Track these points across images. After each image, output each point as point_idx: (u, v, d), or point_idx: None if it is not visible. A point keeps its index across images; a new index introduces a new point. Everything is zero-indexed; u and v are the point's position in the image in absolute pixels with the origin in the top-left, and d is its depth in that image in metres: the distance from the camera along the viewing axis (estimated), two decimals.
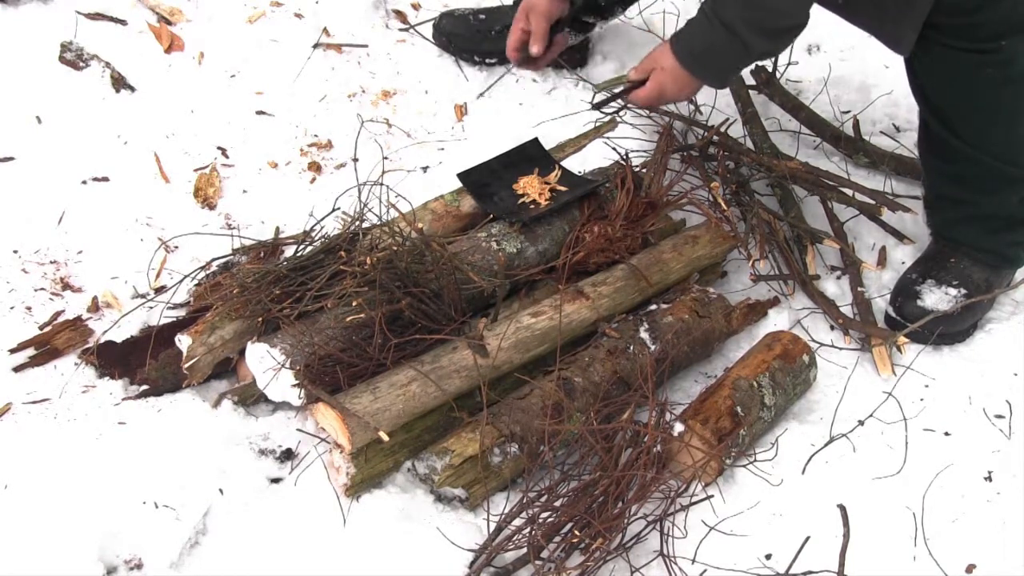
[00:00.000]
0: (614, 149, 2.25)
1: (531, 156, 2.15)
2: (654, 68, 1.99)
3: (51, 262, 1.94)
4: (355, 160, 2.26)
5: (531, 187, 2.07)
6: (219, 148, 2.27)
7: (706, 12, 1.87)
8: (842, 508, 1.73)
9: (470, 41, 2.60)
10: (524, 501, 1.60)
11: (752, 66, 2.64)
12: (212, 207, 2.15)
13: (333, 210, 1.94)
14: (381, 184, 1.93)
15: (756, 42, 1.86)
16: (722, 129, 2.37)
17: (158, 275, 1.97)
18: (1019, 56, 1.85)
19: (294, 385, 1.67)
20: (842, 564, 1.65)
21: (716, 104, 2.55)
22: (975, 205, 2.08)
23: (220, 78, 2.41)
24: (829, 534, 1.70)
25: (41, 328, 1.82)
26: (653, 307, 1.99)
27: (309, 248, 1.84)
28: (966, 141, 1.99)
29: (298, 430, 1.77)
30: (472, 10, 2.65)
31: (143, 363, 1.78)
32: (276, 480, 1.70)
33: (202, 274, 1.93)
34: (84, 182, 2.11)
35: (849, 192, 2.25)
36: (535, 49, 2.18)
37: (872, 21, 1.94)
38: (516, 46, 2.23)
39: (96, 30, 2.38)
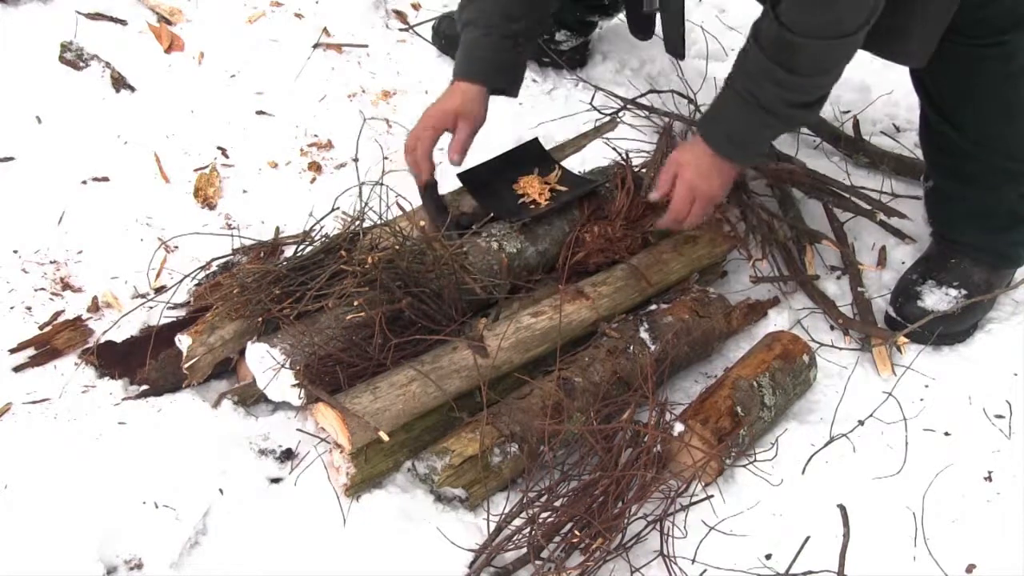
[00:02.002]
0: (614, 149, 2.25)
1: (531, 156, 2.15)
2: (676, 172, 1.89)
3: (51, 262, 1.94)
4: (355, 160, 2.26)
5: (531, 187, 2.07)
6: (219, 148, 2.27)
7: (742, 96, 1.78)
8: (842, 508, 1.73)
9: None
10: (524, 501, 1.60)
11: None
12: (212, 207, 2.15)
13: (333, 210, 1.94)
14: (381, 184, 1.93)
15: (796, 115, 1.83)
16: None
17: (158, 275, 1.97)
18: (1021, 51, 1.85)
19: (294, 385, 1.67)
20: (842, 564, 1.65)
21: None
22: (975, 200, 2.08)
23: (220, 78, 2.42)
24: (829, 534, 1.70)
25: (41, 328, 1.82)
26: (653, 307, 1.99)
27: (309, 248, 1.84)
28: (966, 135, 1.99)
29: (298, 430, 1.77)
30: None
31: (143, 363, 1.78)
32: (276, 480, 1.70)
33: (202, 274, 1.93)
34: (84, 182, 2.11)
35: (846, 196, 2.25)
36: (456, 159, 1.95)
37: (893, 52, 1.92)
38: (429, 146, 1.95)
39: (96, 30, 2.38)
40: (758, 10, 1.79)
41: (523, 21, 1.94)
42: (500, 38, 1.94)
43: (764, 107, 1.77)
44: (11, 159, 2.10)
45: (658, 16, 2.04)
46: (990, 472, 1.84)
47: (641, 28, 2.15)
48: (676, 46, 2.06)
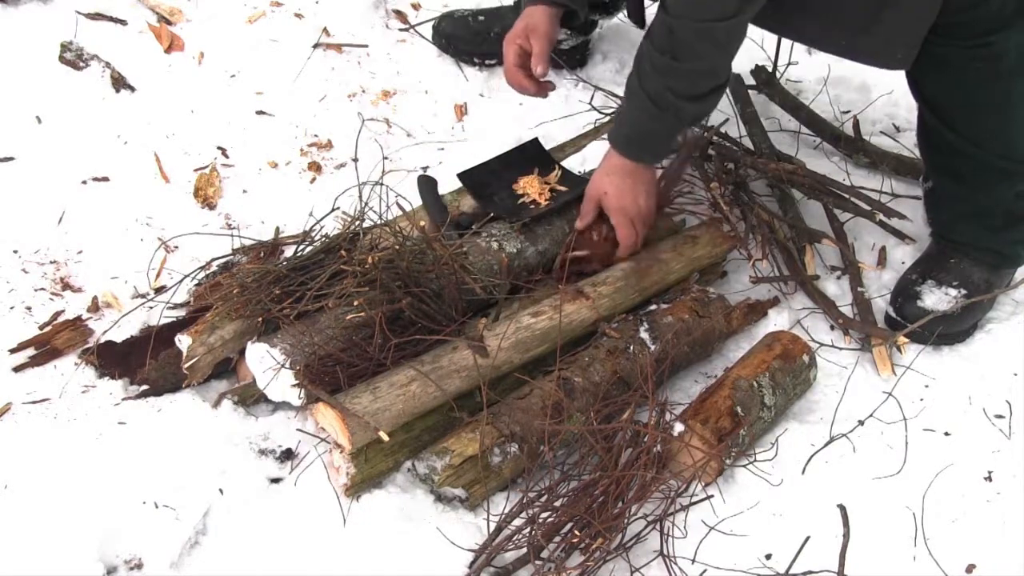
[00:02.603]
0: None
1: (531, 156, 2.15)
2: (597, 200, 1.96)
3: (51, 262, 1.94)
4: (355, 160, 2.26)
5: (531, 187, 2.07)
6: (219, 148, 2.27)
7: (634, 91, 1.85)
8: (842, 508, 1.73)
9: (470, 43, 2.61)
10: (524, 501, 1.60)
11: (752, 65, 2.64)
12: (212, 207, 2.15)
13: (333, 210, 1.94)
14: (381, 184, 1.93)
15: (686, 109, 1.84)
16: (722, 129, 2.36)
17: (158, 275, 1.97)
18: (1008, 51, 1.86)
19: (294, 385, 1.67)
20: (842, 564, 1.65)
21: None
22: (972, 200, 2.08)
23: (220, 78, 2.42)
24: (829, 534, 1.70)
25: (41, 328, 1.82)
26: (653, 307, 1.99)
27: (309, 248, 1.84)
28: (960, 135, 2.00)
29: (298, 430, 1.77)
30: (471, 11, 2.65)
31: (143, 363, 1.78)
32: (276, 480, 1.70)
33: (202, 274, 1.93)
34: (84, 182, 2.11)
35: (846, 196, 2.25)
36: (540, 70, 2.03)
37: (875, 58, 1.94)
38: (517, 61, 2.06)
39: (96, 30, 2.38)
40: None
41: None
42: None
43: (652, 99, 1.83)
44: (11, 159, 2.10)
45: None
46: (990, 472, 1.84)
47: (637, 17, 2.18)
48: (636, 13, 2.14)
